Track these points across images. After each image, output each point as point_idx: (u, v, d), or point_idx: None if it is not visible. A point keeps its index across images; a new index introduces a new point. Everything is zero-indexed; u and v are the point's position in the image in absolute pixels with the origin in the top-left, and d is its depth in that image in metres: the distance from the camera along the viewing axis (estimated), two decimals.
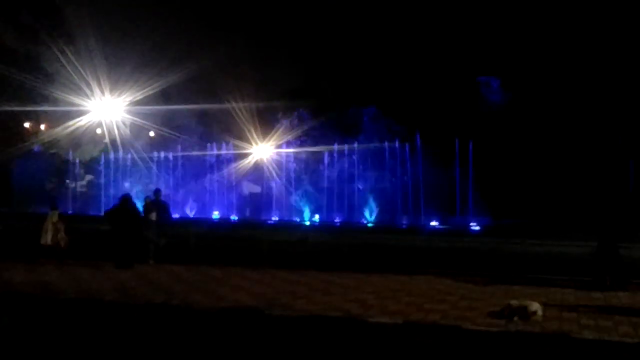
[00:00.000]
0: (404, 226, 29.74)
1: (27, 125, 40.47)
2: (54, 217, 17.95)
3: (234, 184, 35.80)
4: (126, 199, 16.68)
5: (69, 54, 36.23)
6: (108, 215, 16.92)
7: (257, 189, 38.15)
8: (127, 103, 36.89)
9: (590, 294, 12.17)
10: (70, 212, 32.33)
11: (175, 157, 35.90)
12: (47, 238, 17.41)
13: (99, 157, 38.58)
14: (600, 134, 27.01)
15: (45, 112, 38.01)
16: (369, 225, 30.81)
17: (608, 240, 12.75)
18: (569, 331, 9.19)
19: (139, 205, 17.22)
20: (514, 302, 10.23)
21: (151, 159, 36.68)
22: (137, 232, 16.20)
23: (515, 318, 9.80)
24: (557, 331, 9.21)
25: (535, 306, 10.03)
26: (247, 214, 33.58)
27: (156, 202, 17.11)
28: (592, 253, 13.21)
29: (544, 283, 13.19)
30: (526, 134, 28.47)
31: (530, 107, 29.21)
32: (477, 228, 27.24)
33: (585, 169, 26.45)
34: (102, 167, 37.67)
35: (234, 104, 35.12)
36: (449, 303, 11.24)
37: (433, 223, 29.33)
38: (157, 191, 17.71)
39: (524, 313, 9.86)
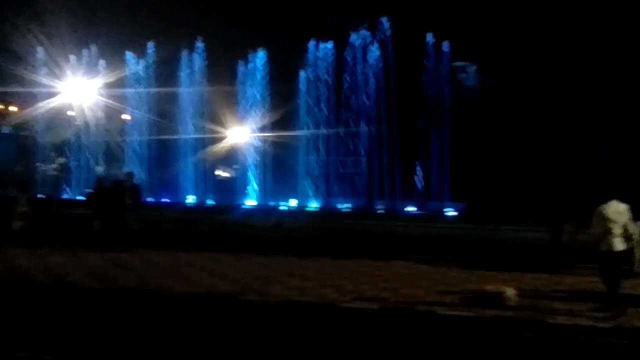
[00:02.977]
0: (380, 211, 29.78)
1: None
2: (22, 200, 17.58)
3: (208, 167, 35.45)
4: (118, 182, 16.54)
5: (39, 33, 35.40)
6: (93, 197, 16.71)
7: (231, 173, 37.92)
8: (100, 85, 36.22)
9: (563, 278, 12.33)
10: (41, 195, 31.72)
11: (149, 141, 35.41)
12: (18, 223, 17.07)
13: (71, 139, 37.89)
14: (576, 120, 27.27)
15: (15, 93, 37.19)
16: (345, 210, 30.80)
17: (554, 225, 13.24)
18: (543, 317, 9.27)
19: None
20: (489, 288, 10.30)
21: (124, 142, 36.15)
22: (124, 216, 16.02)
23: (490, 303, 9.85)
24: (532, 317, 9.29)
25: (510, 291, 10.10)
26: (221, 198, 33.38)
27: (129, 186, 16.87)
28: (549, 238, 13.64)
29: (518, 268, 13.31)
30: (502, 120, 28.64)
31: (507, 93, 29.36)
32: (453, 213, 27.40)
33: (559, 156, 26.74)
34: (73, 150, 37.01)
35: (211, 89, 34.72)
36: (425, 288, 11.29)
37: (409, 208, 29.43)
38: (129, 174, 17.47)
39: (499, 298, 9.92)
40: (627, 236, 9.72)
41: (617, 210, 9.70)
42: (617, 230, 9.62)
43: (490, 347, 8.11)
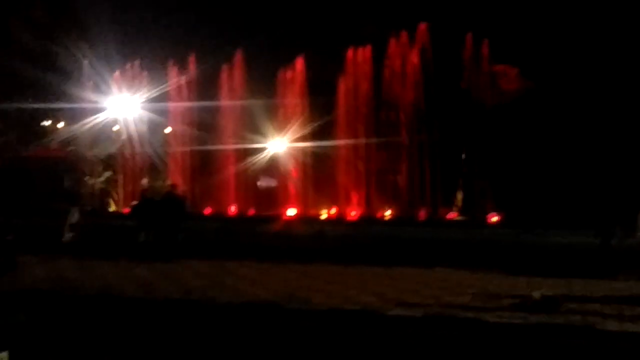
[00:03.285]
0: (421, 219, 29.55)
1: (45, 122, 40.78)
2: (75, 213, 18.13)
3: (249, 178, 35.77)
4: (170, 193, 16.91)
5: (86, 50, 36.42)
6: (138, 209, 17.10)
7: (273, 183, 38.15)
8: (143, 99, 37.01)
9: (613, 283, 11.98)
10: (88, 208, 32.52)
11: (191, 152, 35.97)
12: (69, 235, 17.60)
13: (117, 153, 38.77)
14: (621, 122, 26.54)
15: (63, 109, 38.25)
16: (386, 218, 30.66)
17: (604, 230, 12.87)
18: (593, 322, 9.03)
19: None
20: (535, 294, 10.09)
21: (167, 154, 36.80)
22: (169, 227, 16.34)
23: (538, 310, 9.65)
24: (581, 322, 9.06)
25: (558, 297, 9.87)
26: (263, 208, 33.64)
27: (174, 197, 17.16)
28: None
29: (567, 274, 13.00)
30: (545, 124, 28.09)
31: (548, 96, 28.80)
32: (496, 219, 27.01)
33: (606, 159, 26.07)
34: (119, 163, 37.87)
35: (249, 100, 35.09)
36: (469, 295, 11.12)
37: (451, 215, 29.12)
38: (173, 186, 17.77)
39: (547, 304, 9.71)
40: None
41: None
42: None
43: (538, 355, 7.92)
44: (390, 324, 9.38)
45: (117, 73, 37.27)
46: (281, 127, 35.50)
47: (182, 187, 21.30)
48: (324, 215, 31.60)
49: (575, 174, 26.02)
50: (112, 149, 39.57)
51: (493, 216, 27.63)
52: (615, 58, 26.92)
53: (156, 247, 16.35)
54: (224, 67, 35.40)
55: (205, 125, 37.19)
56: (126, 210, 33.03)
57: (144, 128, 38.02)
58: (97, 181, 40.96)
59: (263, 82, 34.68)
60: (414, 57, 31.93)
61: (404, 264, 14.85)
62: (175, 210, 16.74)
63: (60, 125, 40.76)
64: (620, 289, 11.61)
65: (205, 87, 36.42)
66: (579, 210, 18.85)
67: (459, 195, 31.15)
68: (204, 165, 35.40)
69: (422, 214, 29.70)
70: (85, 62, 36.71)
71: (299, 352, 8.00)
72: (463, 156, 31.43)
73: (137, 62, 37.29)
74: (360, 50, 33.00)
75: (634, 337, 8.39)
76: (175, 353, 7.94)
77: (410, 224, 27.23)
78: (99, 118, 37.11)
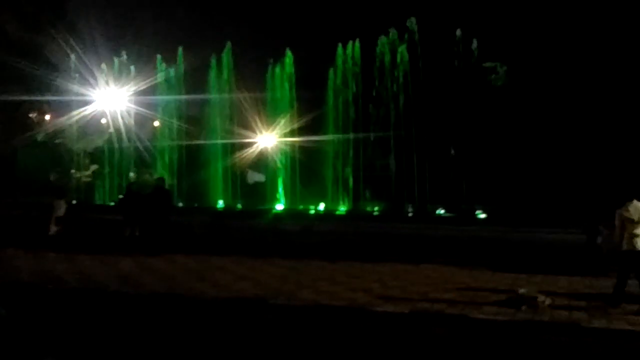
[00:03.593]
0: (409, 214, 29.59)
1: (31, 115, 40.42)
2: (61, 207, 17.97)
3: (237, 172, 35.66)
4: (160, 186, 16.80)
5: (73, 43, 36.09)
6: (124, 203, 17.00)
7: (261, 178, 38.05)
8: (131, 92, 36.75)
9: (598, 280, 12.01)
10: (75, 201, 32.27)
11: (179, 146, 35.79)
12: (55, 228, 17.45)
13: (104, 146, 38.51)
14: (607, 120, 26.68)
15: (50, 102, 37.93)
16: (375, 213, 30.67)
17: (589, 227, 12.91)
18: (579, 319, 9.05)
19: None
20: (522, 291, 10.10)
21: (155, 148, 36.60)
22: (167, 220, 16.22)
23: (524, 307, 9.66)
24: (567, 320, 9.08)
25: (543, 295, 9.88)
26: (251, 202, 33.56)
27: (161, 191, 17.03)
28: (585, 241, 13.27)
29: (552, 271, 13.04)
30: (532, 121, 28.19)
31: (536, 93, 28.89)
32: (483, 216, 27.08)
33: (591, 156, 26.21)
34: (106, 157, 37.62)
35: (238, 94, 34.94)
36: (456, 292, 11.12)
37: (439, 211, 29.17)
38: (160, 179, 17.65)
39: (533, 302, 9.72)
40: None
41: (638, 211, 9.74)
42: (639, 230, 9.67)
43: (524, 352, 7.93)
44: (376, 320, 9.35)
45: (104, 66, 36.97)
46: (270, 121, 35.41)
47: (168, 181, 21.17)
48: (312, 210, 31.55)
49: (562, 171, 26.14)
50: (99, 142, 39.31)
51: (480, 212, 27.72)
52: (603, 55, 27.04)
53: (142, 241, 16.24)
54: (213, 61, 35.22)
55: (193, 119, 37.06)
56: (112, 203, 32.83)
57: (131, 121, 37.79)
58: (84, 174, 40.71)
59: (252, 76, 34.60)
60: (403, 53, 31.93)
61: (392, 259, 14.84)
62: (163, 204, 16.60)
63: (47, 117, 40.43)
64: (607, 287, 11.63)
65: (194, 80, 36.25)
66: (566, 207, 18.93)
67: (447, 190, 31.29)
68: (192, 159, 35.24)
69: (410, 210, 29.75)
70: (73, 55, 36.39)
71: (284, 347, 7.95)
72: (452, 152, 31.52)
73: (124, 55, 37.03)
74: (349, 45, 32.94)
75: (619, 335, 8.41)
76: (159, 347, 7.87)
77: (398, 219, 27.24)
78: (87, 111, 36.83)
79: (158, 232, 16.20)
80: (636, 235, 9.70)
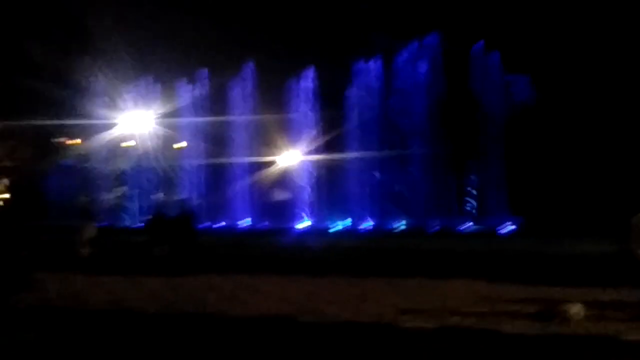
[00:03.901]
0: (434, 229, 29.32)
1: (60, 139, 41.14)
2: (91, 229, 18.27)
3: (262, 190, 35.81)
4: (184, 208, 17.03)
5: (100, 66, 36.78)
6: (152, 224, 17.21)
7: (285, 196, 38.14)
8: (157, 114, 37.26)
9: (632, 292, 11.73)
10: (104, 223, 32.66)
11: (203, 166, 36.09)
12: (85, 250, 17.72)
13: (130, 168, 38.98)
14: (636, 127, 26.22)
15: (78, 125, 38.57)
16: (400, 229, 30.50)
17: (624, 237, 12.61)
18: (614, 333, 8.84)
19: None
20: (554, 304, 9.92)
21: (180, 168, 36.95)
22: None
23: (556, 320, 9.48)
24: (602, 333, 8.88)
25: (577, 308, 9.69)
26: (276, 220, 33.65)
27: (187, 211, 17.21)
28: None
29: (585, 283, 12.79)
30: (558, 131, 27.85)
31: (561, 104, 28.58)
32: (512, 227, 26.76)
33: (621, 165, 25.77)
34: (133, 179, 38.05)
35: (263, 113, 35.22)
36: (486, 306, 10.96)
37: (466, 225, 28.89)
38: (186, 200, 17.84)
39: (565, 315, 9.53)
40: None
41: None
42: None
43: None
44: (404, 336, 9.25)
45: (130, 89, 37.56)
46: (293, 139, 35.56)
47: (194, 201, 21.35)
48: (336, 227, 31.50)
49: (594, 180, 25.72)
50: (127, 164, 39.81)
51: (508, 225, 27.38)
52: (627, 64, 26.68)
53: (170, 261, 16.37)
54: (235, 81, 35.56)
55: (217, 139, 37.35)
56: (141, 224, 33.14)
57: (157, 143, 38.25)
58: (112, 196, 41.20)
59: (273, 94, 34.81)
60: (424, 67, 31.86)
61: (419, 275, 14.71)
62: (189, 224, 16.75)
63: (75, 141, 41.09)
64: None
65: (217, 100, 36.61)
66: (600, 217, 18.61)
67: (473, 204, 31.00)
68: (216, 178, 35.49)
69: (435, 225, 29.50)
70: (100, 78, 37.06)
71: None
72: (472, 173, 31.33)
73: (150, 78, 37.58)
74: (370, 61, 33.00)
75: None
76: None
77: (423, 235, 27.04)
78: (113, 133, 37.40)
79: (186, 252, 16.31)
80: None
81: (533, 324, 9.47)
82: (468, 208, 31.23)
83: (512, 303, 11.15)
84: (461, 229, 28.67)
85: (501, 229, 26.96)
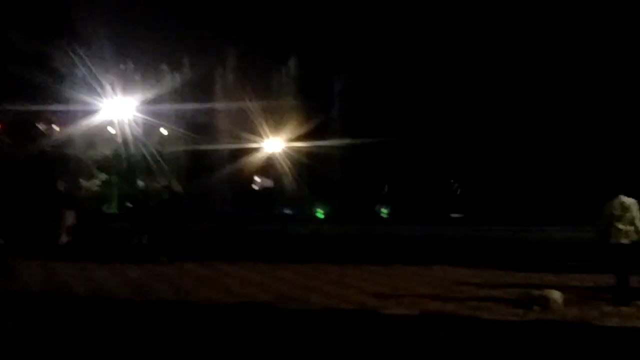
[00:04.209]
0: (418, 216, 29.42)
1: (39, 125, 40.59)
2: (70, 216, 18.10)
3: (244, 178, 35.69)
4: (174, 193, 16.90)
5: (80, 53, 36.25)
6: (132, 211, 17.12)
7: (269, 183, 38.04)
8: (138, 101, 36.88)
9: (610, 278, 11.86)
10: (84, 211, 32.33)
11: (186, 153, 35.83)
12: (65, 237, 17.57)
13: (112, 155, 38.60)
14: (619, 114, 26.38)
15: (57, 112, 38.07)
16: (384, 216, 30.60)
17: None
18: (591, 319, 8.93)
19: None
20: (533, 291, 10.00)
21: (162, 156, 36.64)
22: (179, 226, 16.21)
23: (535, 306, 9.56)
24: (579, 319, 8.96)
25: (556, 294, 9.78)
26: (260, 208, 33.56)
27: (175, 198, 17.08)
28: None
29: (562, 270, 12.91)
30: (541, 116, 27.91)
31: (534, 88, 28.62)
32: (491, 215, 26.89)
33: (602, 153, 25.97)
34: (114, 166, 37.69)
35: (247, 102, 35.01)
36: (466, 292, 11.03)
37: (454, 215, 29.02)
38: (167, 187, 17.68)
39: (544, 301, 9.61)
40: (635, 230, 10.08)
41: (623, 205, 10.15)
42: (623, 224, 10.06)
43: (535, 352, 7.81)
44: (386, 322, 9.27)
45: (111, 75, 37.11)
46: (277, 127, 35.40)
47: (177, 188, 21.14)
48: (320, 214, 31.50)
49: (572, 168, 25.90)
50: (107, 151, 39.43)
51: (488, 212, 27.53)
52: (603, 45, 26.77)
53: (150, 249, 16.27)
54: (218, 68, 35.30)
55: (200, 126, 37.10)
56: (121, 212, 32.91)
57: (138, 130, 37.87)
58: (93, 183, 40.80)
59: (257, 82, 34.62)
60: (405, 55, 31.83)
61: (402, 262, 14.77)
62: (174, 212, 16.60)
63: (55, 128, 40.58)
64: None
65: (200, 88, 36.32)
66: (578, 205, 18.73)
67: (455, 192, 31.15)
68: (199, 166, 35.26)
69: (420, 212, 29.59)
70: (79, 65, 36.55)
71: (294, 352, 7.88)
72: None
73: (131, 64, 37.16)
74: (353, 49, 32.88)
75: (634, 333, 8.29)
76: (169, 355, 7.81)
77: (407, 221, 27.10)
78: (94, 120, 36.94)
79: (171, 240, 16.17)
80: (619, 230, 10.07)
81: (513, 310, 9.54)
82: (452, 194, 31.39)
83: (492, 289, 11.23)
84: (445, 216, 28.78)
85: (482, 216, 27.12)
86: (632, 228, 10.07)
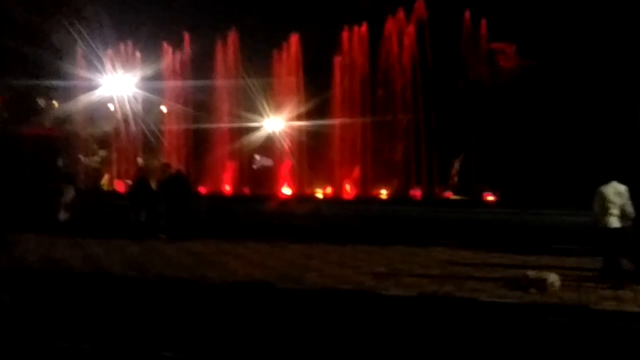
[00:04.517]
0: (417, 197, 29.41)
1: (38, 100, 40.43)
2: (70, 192, 18.09)
3: (245, 157, 35.59)
4: (178, 174, 16.84)
5: (79, 28, 35.96)
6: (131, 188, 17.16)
7: (269, 162, 37.95)
8: (138, 78, 36.66)
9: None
10: (84, 187, 32.34)
11: (186, 131, 35.70)
12: (65, 214, 17.58)
13: (111, 132, 38.50)
14: (620, 100, 26.23)
15: (57, 87, 37.89)
16: (382, 197, 30.55)
17: None
18: (587, 302, 8.96)
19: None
20: (530, 273, 10.02)
21: (162, 133, 36.53)
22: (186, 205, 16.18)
23: (532, 289, 9.58)
24: (576, 302, 8.99)
25: (553, 277, 9.80)
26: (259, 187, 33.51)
27: (180, 177, 17.06)
28: None
29: (561, 253, 12.92)
30: (543, 102, 27.82)
31: (547, 74, 28.48)
32: (492, 198, 26.89)
33: (604, 138, 25.88)
34: (114, 143, 37.61)
35: (246, 79, 34.75)
36: (465, 274, 11.05)
37: (448, 194, 28.99)
38: (166, 165, 17.65)
39: (541, 284, 9.63)
40: (624, 215, 10.35)
41: (616, 191, 10.42)
42: (614, 210, 10.33)
43: (530, 334, 7.85)
44: (385, 303, 9.30)
45: (110, 51, 36.85)
46: (277, 105, 35.22)
47: (176, 167, 21.08)
48: (319, 194, 31.46)
49: (573, 153, 25.81)
50: (107, 128, 39.31)
51: (489, 195, 27.51)
52: (617, 33, 26.55)
53: (148, 226, 16.29)
54: (219, 45, 35.01)
55: (200, 104, 36.90)
56: (121, 189, 32.89)
57: (138, 107, 37.72)
58: (92, 160, 40.76)
59: (258, 60, 34.34)
60: (411, 34, 31.55)
61: (400, 243, 14.78)
62: (184, 190, 16.53)
63: (54, 103, 40.43)
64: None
65: (200, 65, 36.05)
66: (577, 190, 18.70)
67: (455, 173, 31.06)
68: (199, 144, 35.15)
69: (419, 193, 29.56)
70: (79, 40, 36.29)
71: (290, 331, 7.91)
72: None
73: (131, 40, 36.87)
74: (356, 28, 32.58)
75: (630, 317, 8.31)
76: (165, 331, 7.85)
77: (406, 202, 27.10)
78: (94, 96, 36.77)
79: (173, 219, 16.14)
80: (611, 215, 10.29)
81: (511, 292, 9.56)
82: (450, 176, 31.29)
83: (491, 271, 11.24)
84: (443, 197, 28.77)
85: (483, 199, 27.10)
86: (623, 213, 10.34)
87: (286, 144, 34.58)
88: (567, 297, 9.25)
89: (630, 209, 10.36)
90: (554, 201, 19.86)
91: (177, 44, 36.12)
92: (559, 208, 18.43)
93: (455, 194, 28.89)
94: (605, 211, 10.37)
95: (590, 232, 11.09)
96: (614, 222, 10.33)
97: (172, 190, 16.01)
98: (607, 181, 10.57)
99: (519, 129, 27.86)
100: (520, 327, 8.17)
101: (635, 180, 10.96)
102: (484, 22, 29.69)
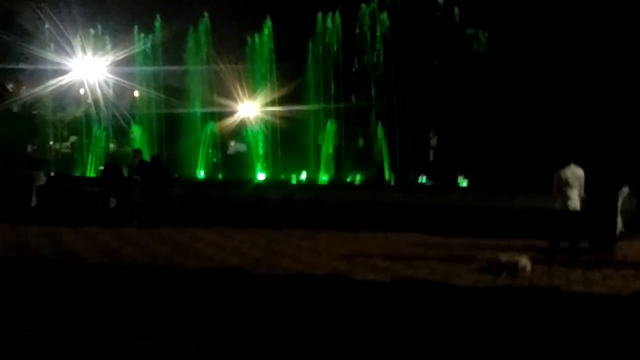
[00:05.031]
0: (390, 183, 29.60)
1: (7, 85, 39.57)
2: (41, 177, 17.84)
3: (218, 142, 35.36)
4: (157, 159, 16.58)
5: (48, 11, 35.20)
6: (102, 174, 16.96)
7: (242, 148, 37.79)
8: (109, 63, 36.05)
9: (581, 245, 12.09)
10: (53, 173, 31.85)
11: (159, 116, 35.30)
12: (34, 200, 17.34)
13: (82, 117, 37.86)
14: (592, 85, 26.59)
15: (25, 71, 37.10)
16: (356, 182, 30.67)
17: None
18: (558, 285, 9.12)
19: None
20: (502, 257, 10.14)
21: (134, 118, 36.06)
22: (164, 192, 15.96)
23: (504, 273, 9.71)
24: (547, 286, 9.15)
25: (524, 261, 9.94)
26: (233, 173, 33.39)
27: (158, 163, 16.85)
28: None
29: (533, 237, 13.10)
30: (513, 87, 28.08)
31: (518, 60, 28.74)
32: (465, 184, 27.20)
33: (575, 123, 26.24)
34: (84, 128, 37.01)
35: (220, 64, 34.42)
36: (438, 259, 11.16)
37: (422, 179, 29.22)
38: (138, 151, 17.44)
39: (513, 268, 9.77)
40: (581, 198, 10.72)
41: (574, 174, 10.72)
42: (572, 192, 10.65)
43: (504, 317, 7.96)
44: (358, 288, 9.34)
45: (80, 35, 36.15)
46: (251, 91, 35.00)
47: (152, 152, 20.85)
48: (293, 179, 31.46)
49: (543, 138, 26.14)
50: (78, 113, 38.67)
51: (462, 180, 27.81)
52: (586, 20, 26.85)
53: (118, 213, 16.12)
54: (191, 31, 34.59)
55: (173, 90, 36.51)
56: (92, 175, 32.51)
57: (109, 92, 37.16)
58: (63, 146, 40.11)
59: (231, 45, 34.07)
60: (384, 21, 31.58)
61: (374, 228, 14.85)
62: (163, 177, 16.29)
63: (23, 87, 39.60)
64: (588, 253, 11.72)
65: (173, 50, 35.62)
66: (547, 174, 18.97)
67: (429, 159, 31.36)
68: (171, 129, 34.80)
69: (392, 179, 29.76)
70: (47, 23, 35.52)
71: (264, 317, 7.91)
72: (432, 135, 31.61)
73: (101, 25, 36.21)
74: (329, 14, 32.48)
75: (599, 299, 8.48)
76: (136, 318, 7.78)
77: (379, 188, 27.24)
78: (63, 81, 36.08)
79: (148, 205, 15.92)
80: (570, 198, 10.62)
81: (483, 277, 9.68)
82: (424, 162, 31.52)
83: (464, 256, 11.36)
84: (416, 183, 28.99)
85: (455, 184, 27.37)
86: (580, 196, 10.67)
87: (261, 130, 34.44)
88: (538, 280, 9.40)
89: (582, 193, 10.70)
90: (526, 185, 20.12)
91: (150, 29, 35.60)
92: (531, 192, 18.71)
93: (429, 178, 29.15)
94: (563, 194, 10.67)
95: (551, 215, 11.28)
96: (572, 204, 10.62)
97: (151, 176, 15.77)
98: (565, 164, 10.82)
99: (491, 114, 28.15)
100: (492, 311, 8.27)
101: (598, 163, 11.28)
102: (456, 8, 29.85)
